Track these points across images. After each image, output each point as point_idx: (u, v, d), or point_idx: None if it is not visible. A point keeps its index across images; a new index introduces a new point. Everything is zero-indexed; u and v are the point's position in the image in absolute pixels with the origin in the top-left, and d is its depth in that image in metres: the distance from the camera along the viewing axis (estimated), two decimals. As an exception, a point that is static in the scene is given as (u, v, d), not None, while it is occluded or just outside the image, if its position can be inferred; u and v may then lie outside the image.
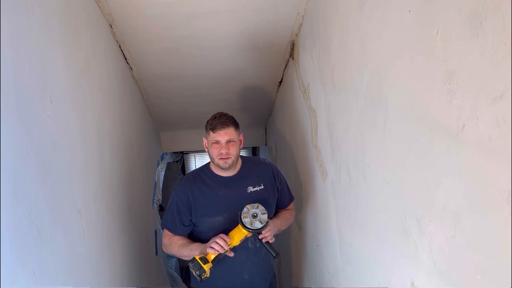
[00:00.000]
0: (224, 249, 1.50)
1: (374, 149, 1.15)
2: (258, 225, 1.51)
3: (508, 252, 0.62)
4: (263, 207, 1.55)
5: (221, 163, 1.63)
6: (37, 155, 0.99)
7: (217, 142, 1.62)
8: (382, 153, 1.08)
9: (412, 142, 0.90)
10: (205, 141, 1.70)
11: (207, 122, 1.66)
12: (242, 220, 1.51)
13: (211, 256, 1.51)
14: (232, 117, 1.66)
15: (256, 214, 1.53)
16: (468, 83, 0.70)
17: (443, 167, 0.78)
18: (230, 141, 1.62)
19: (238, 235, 1.54)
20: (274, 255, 1.58)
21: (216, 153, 1.62)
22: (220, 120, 1.61)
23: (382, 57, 1.06)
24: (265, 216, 1.53)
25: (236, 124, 1.66)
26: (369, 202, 1.21)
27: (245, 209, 1.53)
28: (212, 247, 1.50)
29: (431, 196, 0.83)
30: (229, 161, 1.63)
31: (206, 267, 1.48)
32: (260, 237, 1.56)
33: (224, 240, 1.51)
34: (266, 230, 1.55)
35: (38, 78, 1.03)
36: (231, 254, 1.55)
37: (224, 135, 1.60)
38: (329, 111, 1.60)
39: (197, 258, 1.50)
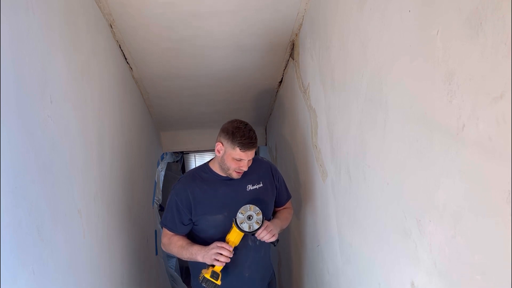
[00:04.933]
0: (230, 257, 1.54)
1: (374, 149, 1.15)
2: (255, 226, 1.54)
3: (508, 252, 0.62)
4: (256, 207, 1.56)
5: (235, 175, 1.64)
6: (37, 155, 0.99)
7: (240, 160, 1.60)
8: (382, 153, 1.08)
9: (412, 142, 0.90)
10: (220, 146, 1.62)
11: (233, 134, 1.56)
12: (239, 225, 1.54)
13: (219, 268, 1.55)
14: (256, 134, 1.62)
15: (251, 216, 1.55)
16: (468, 83, 0.70)
17: (443, 167, 0.78)
18: (251, 159, 1.63)
19: (237, 238, 1.57)
20: (275, 243, 1.62)
21: (235, 167, 1.61)
22: (251, 141, 1.57)
23: (382, 57, 1.06)
24: (260, 216, 1.55)
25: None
26: (369, 202, 1.21)
27: (239, 214, 1.55)
28: (218, 260, 1.53)
29: (431, 196, 0.83)
30: (242, 174, 1.65)
31: (219, 281, 1.54)
32: (257, 236, 1.58)
33: (228, 250, 1.54)
34: (261, 229, 1.57)
35: (38, 78, 1.03)
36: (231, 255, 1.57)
37: (250, 155, 1.60)
38: (329, 111, 1.60)
39: (208, 276, 1.53)
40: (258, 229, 1.54)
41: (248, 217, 1.54)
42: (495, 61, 0.62)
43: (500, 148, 0.63)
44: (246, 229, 1.53)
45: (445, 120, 0.77)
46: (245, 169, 1.62)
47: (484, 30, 0.65)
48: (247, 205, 1.56)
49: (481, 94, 0.66)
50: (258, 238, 1.59)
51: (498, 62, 0.62)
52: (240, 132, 1.56)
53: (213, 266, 1.56)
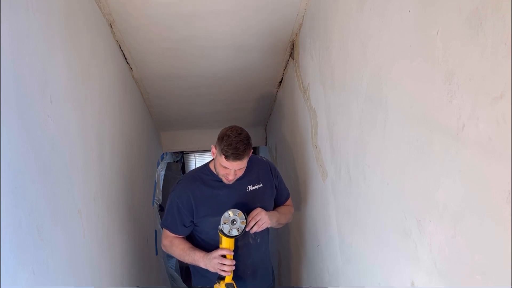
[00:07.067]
0: (234, 264, 1.57)
1: (374, 149, 1.15)
2: (242, 226, 1.56)
3: (508, 252, 0.62)
4: (234, 209, 1.57)
5: (224, 180, 1.63)
6: (37, 155, 0.99)
7: (226, 167, 1.57)
8: (382, 153, 1.08)
9: (412, 142, 0.90)
10: (213, 150, 1.61)
11: (221, 141, 1.51)
12: (228, 234, 1.56)
13: (229, 278, 1.58)
14: (247, 146, 1.52)
15: (235, 220, 1.56)
16: (468, 83, 0.70)
17: (443, 167, 0.78)
18: (240, 169, 1.59)
19: (231, 244, 1.60)
20: None
21: (222, 173, 1.60)
22: (236, 151, 1.49)
23: (382, 57, 1.06)
24: (242, 215, 1.57)
25: (249, 151, 1.55)
26: (369, 202, 1.21)
27: (224, 225, 1.56)
28: (224, 270, 1.55)
29: (431, 196, 0.83)
30: (232, 181, 1.63)
31: None
32: (248, 230, 1.61)
33: (228, 259, 1.56)
34: (250, 223, 1.59)
35: (38, 78, 1.03)
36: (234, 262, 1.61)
37: (236, 166, 1.55)
38: (329, 111, 1.60)
39: None
40: (246, 226, 1.58)
41: (232, 221, 1.56)
42: (495, 61, 0.62)
43: (500, 148, 0.63)
44: (237, 233, 1.56)
45: (445, 120, 0.77)
46: (231, 178, 1.59)
47: (484, 30, 0.65)
48: (225, 213, 1.57)
49: (481, 94, 0.66)
50: (252, 232, 1.62)
51: (498, 62, 0.62)
52: (227, 141, 1.49)
53: (222, 278, 1.59)
